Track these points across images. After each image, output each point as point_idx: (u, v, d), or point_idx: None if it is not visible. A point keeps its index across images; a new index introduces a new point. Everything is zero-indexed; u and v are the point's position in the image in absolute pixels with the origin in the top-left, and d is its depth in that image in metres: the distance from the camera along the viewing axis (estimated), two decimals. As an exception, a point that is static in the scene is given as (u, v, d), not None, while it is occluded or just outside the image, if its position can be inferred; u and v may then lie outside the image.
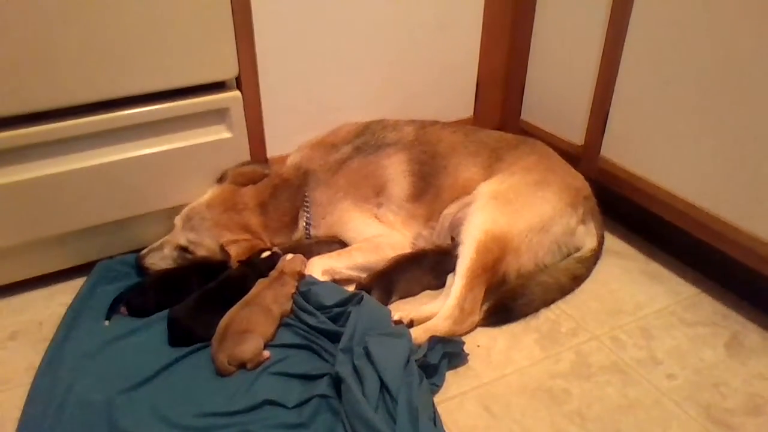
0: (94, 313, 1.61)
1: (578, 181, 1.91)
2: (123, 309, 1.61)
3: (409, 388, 1.31)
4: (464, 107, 2.31)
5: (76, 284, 1.74)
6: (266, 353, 1.47)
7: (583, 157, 2.07)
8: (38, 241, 1.71)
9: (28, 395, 1.38)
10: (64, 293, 1.73)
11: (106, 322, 1.58)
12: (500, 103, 2.37)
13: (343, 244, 1.86)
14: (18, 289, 1.75)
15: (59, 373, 1.43)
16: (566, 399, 1.44)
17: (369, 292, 1.63)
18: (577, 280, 1.78)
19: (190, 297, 1.56)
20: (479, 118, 2.33)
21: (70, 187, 1.67)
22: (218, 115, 1.80)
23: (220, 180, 1.86)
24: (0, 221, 1.63)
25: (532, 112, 2.31)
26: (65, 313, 1.62)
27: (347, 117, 2.04)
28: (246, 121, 1.84)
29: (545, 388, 1.47)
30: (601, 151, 2.02)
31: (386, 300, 1.69)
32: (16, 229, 1.66)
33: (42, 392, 1.38)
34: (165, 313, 1.56)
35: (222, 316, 1.49)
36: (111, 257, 1.80)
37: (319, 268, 1.73)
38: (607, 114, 1.97)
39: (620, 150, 1.97)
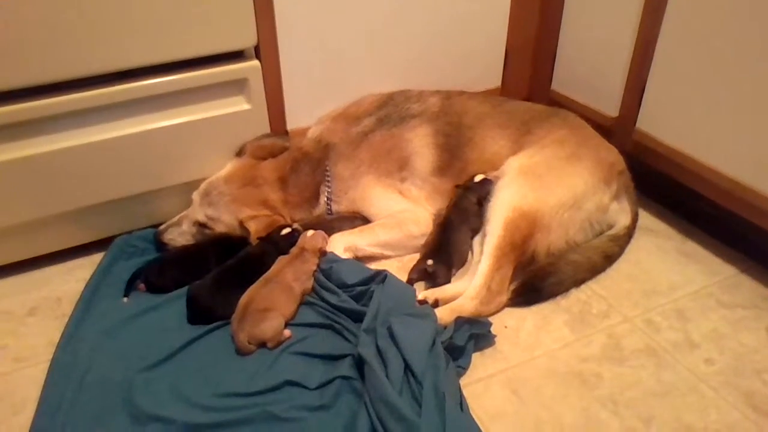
0: (113, 290, 1.59)
1: (612, 155, 1.82)
2: (141, 285, 1.59)
3: (435, 372, 1.26)
4: (492, 77, 2.22)
5: (95, 259, 1.72)
6: (287, 332, 1.44)
7: (617, 130, 1.98)
8: (56, 216, 1.69)
9: (48, 373, 1.37)
10: (83, 268, 1.71)
11: (125, 299, 1.57)
12: (529, 72, 2.27)
13: (365, 220, 1.81)
14: (36, 264, 1.74)
15: (78, 351, 1.41)
16: (598, 383, 1.38)
17: (432, 274, 1.62)
18: (609, 259, 1.71)
19: (209, 274, 1.53)
20: (507, 89, 2.24)
21: (87, 160, 1.64)
22: (237, 86, 1.75)
23: (239, 153, 1.81)
24: (18, 196, 1.61)
25: (563, 81, 2.21)
26: (84, 289, 1.60)
27: (370, 88, 1.97)
28: (265, 92, 1.79)
29: (576, 371, 1.41)
30: (637, 123, 1.92)
31: (449, 273, 1.65)
32: (34, 203, 1.64)
33: (61, 371, 1.37)
34: (184, 290, 1.54)
35: (242, 294, 1.46)
36: (129, 232, 1.78)
37: (341, 245, 1.69)
38: (645, 84, 1.87)
39: (657, 122, 1.87)
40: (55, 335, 1.47)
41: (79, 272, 1.70)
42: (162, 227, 1.74)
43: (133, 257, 1.71)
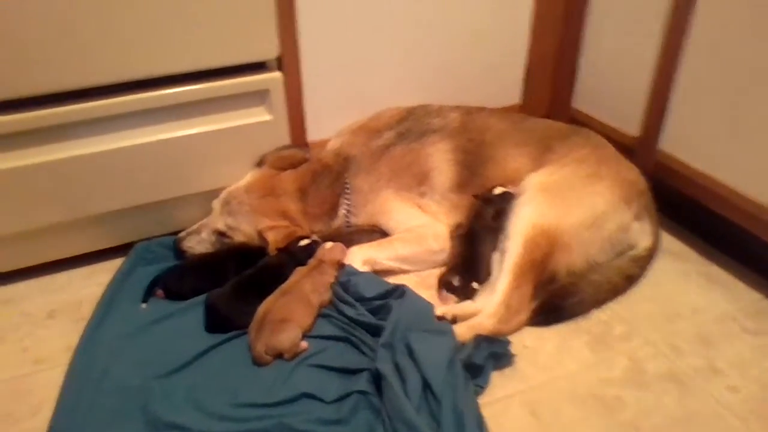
0: (132, 295, 1.60)
1: (633, 174, 1.80)
2: (159, 292, 1.60)
3: (454, 390, 1.24)
4: (512, 93, 2.22)
5: (115, 264, 1.73)
6: (304, 344, 1.43)
7: (638, 150, 1.96)
8: (78, 221, 1.70)
9: (66, 376, 1.38)
10: (103, 273, 1.72)
11: (144, 305, 1.57)
12: (550, 89, 2.27)
13: (384, 233, 1.80)
14: (58, 267, 1.75)
15: (96, 355, 1.42)
16: (620, 408, 1.35)
17: (459, 288, 1.60)
18: (630, 280, 1.69)
19: (227, 283, 1.53)
20: (527, 106, 2.24)
21: (110, 166, 1.66)
22: (258, 97, 1.76)
23: (259, 164, 1.82)
24: (41, 200, 1.63)
25: (584, 99, 2.20)
26: (103, 294, 1.61)
27: (390, 101, 1.98)
28: (286, 103, 1.80)
29: (597, 395, 1.39)
30: (659, 143, 1.90)
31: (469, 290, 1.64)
32: (56, 208, 1.66)
33: (79, 374, 1.37)
34: (202, 298, 1.54)
35: (259, 304, 1.46)
36: (149, 239, 1.79)
37: (359, 257, 1.68)
38: (667, 103, 1.86)
39: (680, 143, 1.85)
40: (74, 338, 1.48)
41: (100, 276, 1.71)
42: (181, 234, 1.74)
43: (153, 263, 1.72)
